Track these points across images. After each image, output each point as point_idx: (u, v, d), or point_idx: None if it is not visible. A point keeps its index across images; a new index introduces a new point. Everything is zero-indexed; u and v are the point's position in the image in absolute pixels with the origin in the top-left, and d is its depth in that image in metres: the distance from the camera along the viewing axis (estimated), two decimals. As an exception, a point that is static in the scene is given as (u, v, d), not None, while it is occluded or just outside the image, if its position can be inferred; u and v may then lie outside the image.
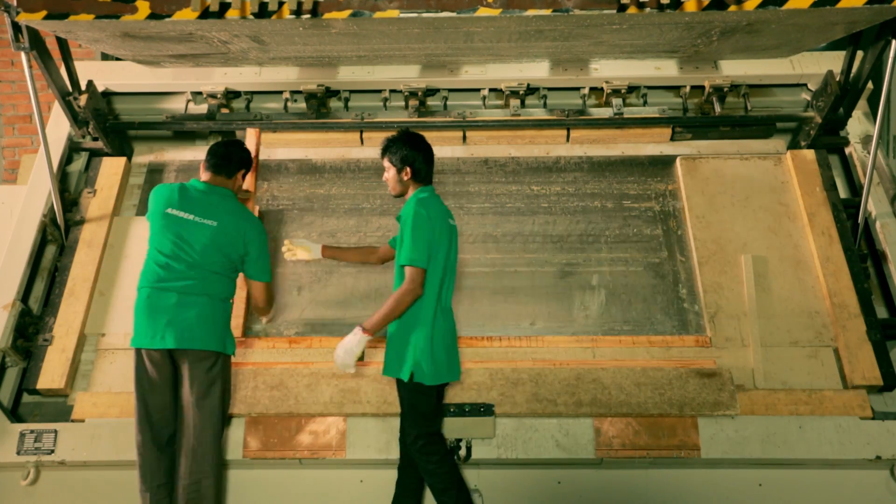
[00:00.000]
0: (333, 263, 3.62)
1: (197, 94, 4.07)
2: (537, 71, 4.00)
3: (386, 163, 3.04)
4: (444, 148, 3.97)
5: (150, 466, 2.88)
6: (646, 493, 3.13)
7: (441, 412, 3.02)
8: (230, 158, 3.13)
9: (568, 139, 3.98)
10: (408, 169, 2.98)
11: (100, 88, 3.88)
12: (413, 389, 2.84)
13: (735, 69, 3.98)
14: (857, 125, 3.94)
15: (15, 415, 3.28)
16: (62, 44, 3.53)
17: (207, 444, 2.87)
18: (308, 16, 3.00)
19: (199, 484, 2.84)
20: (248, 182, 3.48)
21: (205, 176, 3.11)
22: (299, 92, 4.01)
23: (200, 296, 2.90)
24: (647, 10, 2.96)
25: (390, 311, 2.83)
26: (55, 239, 3.68)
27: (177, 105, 4.11)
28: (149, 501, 2.86)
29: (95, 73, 3.96)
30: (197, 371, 2.87)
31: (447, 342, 2.91)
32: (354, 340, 2.83)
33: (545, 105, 4.02)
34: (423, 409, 2.89)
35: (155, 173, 3.96)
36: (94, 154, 3.98)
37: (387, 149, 3.03)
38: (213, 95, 3.99)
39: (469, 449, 3.03)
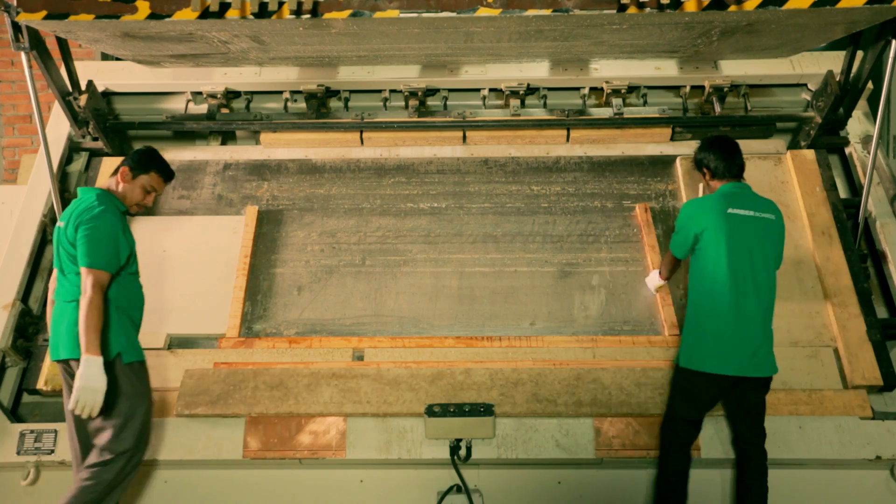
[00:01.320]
0: (333, 263, 3.62)
1: (197, 94, 4.07)
2: (537, 71, 4.00)
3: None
4: (445, 148, 3.97)
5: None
6: (646, 493, 3.13)
7: (699, 405, 2.98)
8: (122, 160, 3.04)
9: (568, 139, 3.98)
10: (705, 170, 3.18)
11: (100, 88, 3.88)
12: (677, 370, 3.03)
13: (735, 69, 3.98)
14: (857, 125, 3.94)
15: (15, 415, 3.28)
16: (62, 44, 3.53)
17: (90, 462, 2.77)
18: (308, 16, 3.00)
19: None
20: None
21: None
22: (299, 92, 4.01)
23: (61, 303, 2.88)
24: (647, 10, 2.96)
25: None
26: (55, 239, 3.69)
27: (177, 105, 4.11)
28: None
29: (95, 73, 3.96)
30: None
31: (709, 330, 2.93)
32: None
33: (545, 105, 4.02)
34: (677, 392, 3.01)
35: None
36: (94, 154, 3.98)
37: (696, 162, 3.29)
38: (213, 95, 3.99)
39: (469, 449, 3.03)
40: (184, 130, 4.08)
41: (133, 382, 2.85)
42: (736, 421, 2.99)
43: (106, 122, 3.87)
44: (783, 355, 3.27)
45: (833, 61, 3.82)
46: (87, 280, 2.76)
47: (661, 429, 3.00)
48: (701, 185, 3.49)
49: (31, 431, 3.12)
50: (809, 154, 3.79)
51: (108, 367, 2.78)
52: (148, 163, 3.06)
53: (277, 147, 4.00)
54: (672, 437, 2.96)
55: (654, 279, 3.45)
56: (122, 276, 2.90)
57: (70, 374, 2.84)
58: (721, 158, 3.11)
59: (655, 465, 3.08)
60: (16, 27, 3.15)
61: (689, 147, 3.94)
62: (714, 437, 3.04)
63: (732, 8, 2.94)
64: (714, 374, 2.88)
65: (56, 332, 2.85)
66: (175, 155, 3.99)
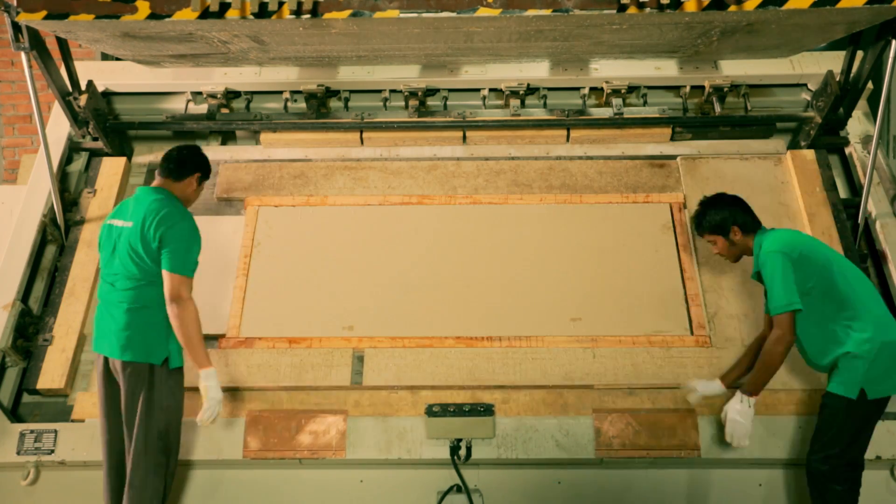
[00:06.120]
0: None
1: (197, 94, 4.07)
2: (537, 71, 4.00)
3: (709, 238, 3.12)
4: (445, 148, 3.97)
5: (104, 485, 2.89)
6: (646, 493, 3.13)
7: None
8: (182, 162, 3.07)
9: (568, 139, 3.98)
10: (735, 228, 3.03)
11: (100, 88, 3.88)
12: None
13: (735, 69, 3.98)
14: (857, 125, 3.94)
15: (15, 415, 3.28)
16: (62, 44, 3.53)
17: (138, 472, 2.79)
18: (308, 16, 3.00)
19: None
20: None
21: (156, 182, 3.07)
22: (299, 92, 4.01)
23: (111, 305, 2.87)
24: (647, 10, 2.96)
25: (766, 367, 2.85)
26: (55, 239, 3.68)
27: (177, 105, 4.11)
28: None
29: (95, 73, 3.96)
30: (125, 385, 2.82)
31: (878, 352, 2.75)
32: (745, 408, 2.88)
33: (545, 105, 4.02)
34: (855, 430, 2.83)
35: (155, 173, 3.95)
36: (94, 154, 3.98)
37: (699, 225, 3.13)
38: (213, 95, 3.99)
39: (469, 449, 3.03)
40: (184, 130, 4.08)
41: (173, 391, 2.90)
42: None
43: (106, 122, 3.87)
44: (783, 355, 3.27)
45: (833, 61, 3.82)
46: (180, 287, 2.84)
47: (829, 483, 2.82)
48: (720, 247, 3.12)
49: (31, 431, 3.12)
50: (809, 154, 3.79)
51: (154, 371, 2.82)
52: (209, 167, 3.18)
53: (277, 147, 4.00)
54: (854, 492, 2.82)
55: (714, 387, 3.05)
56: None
57: (107, 370, 2.86)
58: (748, 211, 3.04)
59: (655, 464, 3.09)
60: (16, 27, 3.15)
61: (689, 147, 3.95)
62: (714, 436, 3.04)
63: (732, 8, 2.94)
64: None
65: (104, 331, 2.87)
66: (175, 155, 4.00)
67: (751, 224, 3.04)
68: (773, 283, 2.82)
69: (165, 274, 2.86)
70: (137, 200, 2.97)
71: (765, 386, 2.89)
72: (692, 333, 3.34)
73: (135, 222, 2.88)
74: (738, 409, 2.88)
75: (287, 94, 4.04)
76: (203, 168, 3.14)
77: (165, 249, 2.86)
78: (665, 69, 3.99)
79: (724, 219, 3.04)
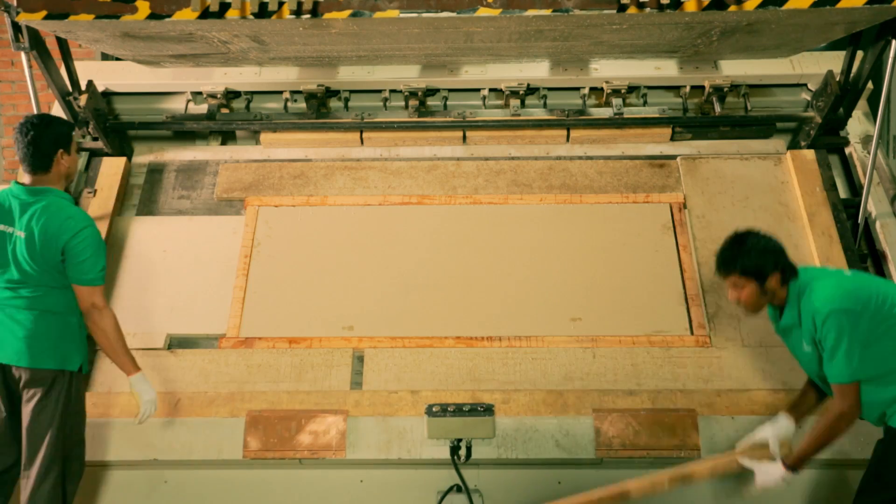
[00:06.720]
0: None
1: (197, 94, 4.07)
2: (537, 71, 4.00)
3: (737, 280, 2.61)
4: (445, 148, 3.97)
5: None
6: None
7: None
8: (41, 152, 2.76)
9: (568, 139, 3.98)
10: (776, 275, 2.57)
11: (100, 88, 3.88)
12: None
13: (735, 69, 3.98)
14: (857, 125, 3.94)
15: (15, 415, 3.28)
16: (62, 44, 3.53)
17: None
18: (308, 16, 3.00)
19: None
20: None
21: (25, 179, 2.81)
22: (299, 92, 4.01)
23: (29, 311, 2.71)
24: (647, 10, 2.97)
25: (821, 442, 2.53)
26: (55, 239, 3.68)
27: (177, 105, 4.10)
28: None
29: (95, 73, 3.96)
30: (32, 393, 2.69)
31: None
32: (779, 478, 2.60)
33: (545, 105, 4.02)
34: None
35: (155, 173, 3.96)
36: (94, 154, 3.98)
37: (729, 263, 2.61)
38: (213, 95, 3.99)
39: (469, 449, 3.03)
40: (184, 130, 4.07)
41: (80, 396, 2.86)
42: None
43: (106, 122, 3.87)
44: (783, 355, 3.26)
45: (833, 61, 3.82)
46: (93, 297, 2.77)
47: None
48: (746, 294, 2.64)
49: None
50: (809, 154, 3.79)
51: (67, 377, 2.74)
52: (69, 128, 2.94)
53: (277, 147, 4.00)
54: None
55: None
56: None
57: (4, 379, 2.74)
58: (786, 252, 2.60)
59: (655, 464, 3.08)
60: (16, 27, 3.15)
61: (689, 147, 3.95)
62: (714, 437, 3.04)
63: (732, 8, 2.94)
64: None
65: (5, 338, 2.71)
66: (175, 155, 4.00)
67: (791, 270, 2.61)
68: (839, 349, 2.43)
69: (76, 287, 2.75)
70: (22, 206, 2.74)
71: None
72: (692, 333, 3.34)
73: (27, 234, 2.68)
74: (775, 479, 2.65)
75: (287, 94, 4.04)
76: (61, 141, 2.81)
77: (72, 262, 2.72)
78: (665, 69, 3.99)
79: (766, 262, 2.57)
